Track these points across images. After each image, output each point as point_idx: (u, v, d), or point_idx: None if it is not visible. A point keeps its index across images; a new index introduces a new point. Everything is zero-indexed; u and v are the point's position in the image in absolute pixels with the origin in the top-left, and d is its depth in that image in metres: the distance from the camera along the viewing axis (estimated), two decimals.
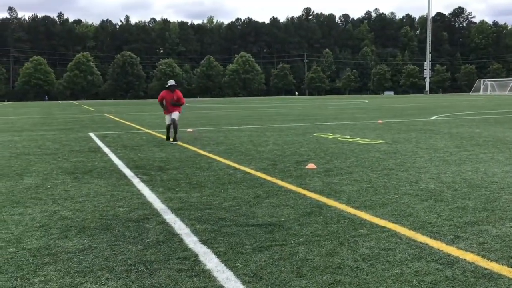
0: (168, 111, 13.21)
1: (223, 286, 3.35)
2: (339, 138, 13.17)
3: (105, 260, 3.91)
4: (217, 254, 4.01)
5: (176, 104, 13.19)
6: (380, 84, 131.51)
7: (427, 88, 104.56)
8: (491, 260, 3.75)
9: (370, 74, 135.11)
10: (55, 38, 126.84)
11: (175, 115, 13.14)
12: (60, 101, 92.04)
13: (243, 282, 3.42)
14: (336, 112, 28.94)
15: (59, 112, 36.35)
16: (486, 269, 3.58)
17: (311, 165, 8.40)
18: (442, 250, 4.00)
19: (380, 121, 19.82)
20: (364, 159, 9.26)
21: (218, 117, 25.51)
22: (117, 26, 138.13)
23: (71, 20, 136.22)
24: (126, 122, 22.29)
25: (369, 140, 12.59)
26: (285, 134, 14.83)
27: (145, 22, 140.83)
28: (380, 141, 12.19)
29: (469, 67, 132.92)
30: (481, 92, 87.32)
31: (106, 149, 11.51)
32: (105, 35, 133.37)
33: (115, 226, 4.87)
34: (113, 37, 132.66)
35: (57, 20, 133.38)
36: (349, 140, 12.72)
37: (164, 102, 13.17)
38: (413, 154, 9.80)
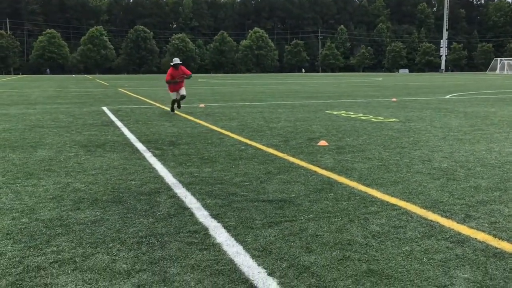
0: (175, 87, 13.96)
1: (233, 260, 3.38)
2: (352, 116, 13.08)
3: (116, 232, 3.95)
4: (227, 228, 4.04)
5: (183, 78, 14.07)
6: (395, 62, 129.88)
7: (443, 67, 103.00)
8: (503, 240, 3.73)
9: (385, 51, 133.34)
10: (68, 11, 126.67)
11: (183, 91, 14.00)
12: (74, 75, 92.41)
13: (253, 256, 3.45)
14: (349, 90, 28.69)
15: (72, 86, 36.52)
16: (497, 248, 3.56)
17: (322, 142, 8.37)
18: (453, 229, 3.98)
19: (394, 99, 19.63)
20: (376, 137, 9.20)
21: (231, 93, 25.44)
22: (131, 0, 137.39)
23: None
24: (139, 97, 22.34)
25: (382, 118, 12.49)
26: (297, 111, 14.76)
27: None
28: (394, 119, 12.08)
29: (486, 45, 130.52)
30: (497, 71, 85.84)
31: (118, 123, 11.56)
32: (118, 9, 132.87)
33: (127, 199, 4.91)
34: (127, 11, 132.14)
35: None
36: (362, 117, 12.63)
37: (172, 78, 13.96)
38: (426, 132, 9.71)
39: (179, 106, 14.39)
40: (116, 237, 3.82)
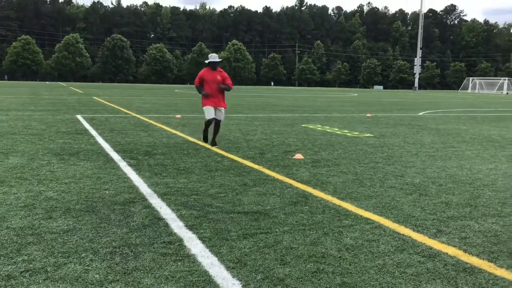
0: (210, 99, 9.31)
1: (207, 271, 3.37)
2: (328, 130, 13.22)
3: (89, 241, 3.89)
4: (202, 239, 4.02)
5: (224, 88, 9.39)
6: (370, 78, 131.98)
7: (416, 84, 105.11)
8: (472, 255, 3.81)
9: (361, 67, 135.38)
10: (44, 17, 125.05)
11: (221, 112, 9.44)
12: (47, 82, 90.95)
13: (227, 267, 3.44)
14: (325, 104, 28.99)
15: (46, 93, 35.93)
16: (467, 263, 3.63)
17: (298, 156, 8.43)
18: (424, 243, 4.05)
19: (368, 115, 19.92)
20: (351, 151, 9.31)
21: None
22: (108, 8, 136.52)
23: (61, 0, 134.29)
24: (114, 106, 22.11)
25: (357, 133, 12.65)
26: (273, 124, 14.83)
27: (136, 6, 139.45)
28: (368, 135, 12.25)
29: (458, 64, 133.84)
30: (469, 90, 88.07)
31: (93, 132, 11.42)
32: (95, 17, 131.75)
33: (100, 209, 4.85)
34: (104, 19, 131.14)
35: (47, 0, 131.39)
36: (337, 132, 12.77)
37: (203, 84, 9.44)
38: (400, 148, 9.87)
39: (214, 143, 9.40)
40: (89, 247, 3.77)
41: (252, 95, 44.58)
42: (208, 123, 9.46)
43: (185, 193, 5.62)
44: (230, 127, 13.35)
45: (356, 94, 56.23)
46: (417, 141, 11.08)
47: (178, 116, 16.80)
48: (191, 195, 5.50)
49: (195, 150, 9.02)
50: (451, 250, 3.90)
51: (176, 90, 53.46)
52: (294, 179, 6.53)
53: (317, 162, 8.00)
